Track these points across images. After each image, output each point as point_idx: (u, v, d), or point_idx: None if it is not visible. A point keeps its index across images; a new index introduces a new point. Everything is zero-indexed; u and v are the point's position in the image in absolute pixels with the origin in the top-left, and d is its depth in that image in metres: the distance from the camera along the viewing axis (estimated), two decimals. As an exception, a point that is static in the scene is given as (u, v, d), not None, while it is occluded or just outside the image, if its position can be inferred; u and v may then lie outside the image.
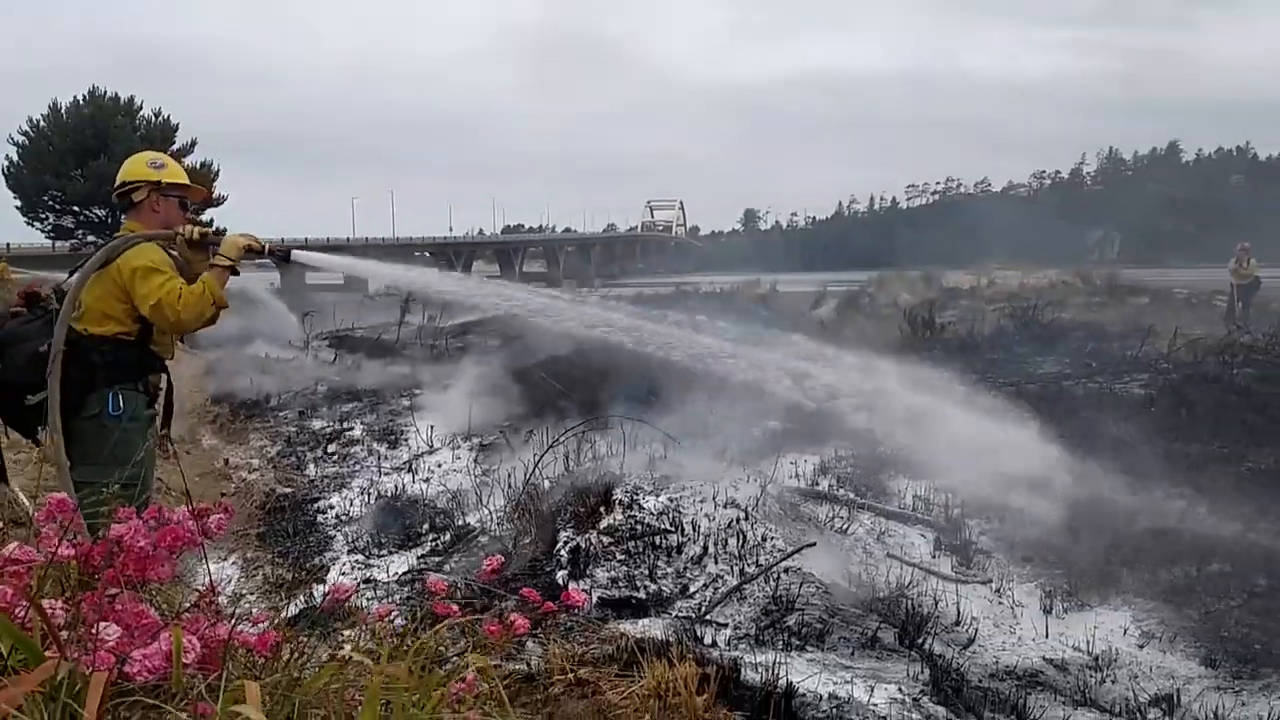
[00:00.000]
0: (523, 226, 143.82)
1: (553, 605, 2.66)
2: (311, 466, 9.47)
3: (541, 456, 7.50)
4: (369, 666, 1.94)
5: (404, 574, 6.14)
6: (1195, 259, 59.18)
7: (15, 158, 48.44)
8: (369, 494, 8.14)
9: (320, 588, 5.73)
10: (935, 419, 7.68)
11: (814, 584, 5.30)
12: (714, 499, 6.23)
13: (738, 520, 5.95)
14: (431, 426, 10.18)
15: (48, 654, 1.51)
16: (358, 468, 9.32)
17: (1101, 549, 6.34)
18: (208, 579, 2.01)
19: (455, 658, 2.57)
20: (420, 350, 16.22)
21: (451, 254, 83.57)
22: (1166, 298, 24.29)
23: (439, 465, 9.09)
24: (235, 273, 4.34)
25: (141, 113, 49.41)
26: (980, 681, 4.67)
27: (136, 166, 4.39)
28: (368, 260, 12.27)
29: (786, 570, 5.31)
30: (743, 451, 8.43)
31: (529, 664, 3.74)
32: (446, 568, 6.21)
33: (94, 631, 1.56)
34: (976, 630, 5.37)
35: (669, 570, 5.45)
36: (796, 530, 6.35)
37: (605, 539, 5.69)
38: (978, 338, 16.88)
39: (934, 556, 6.52)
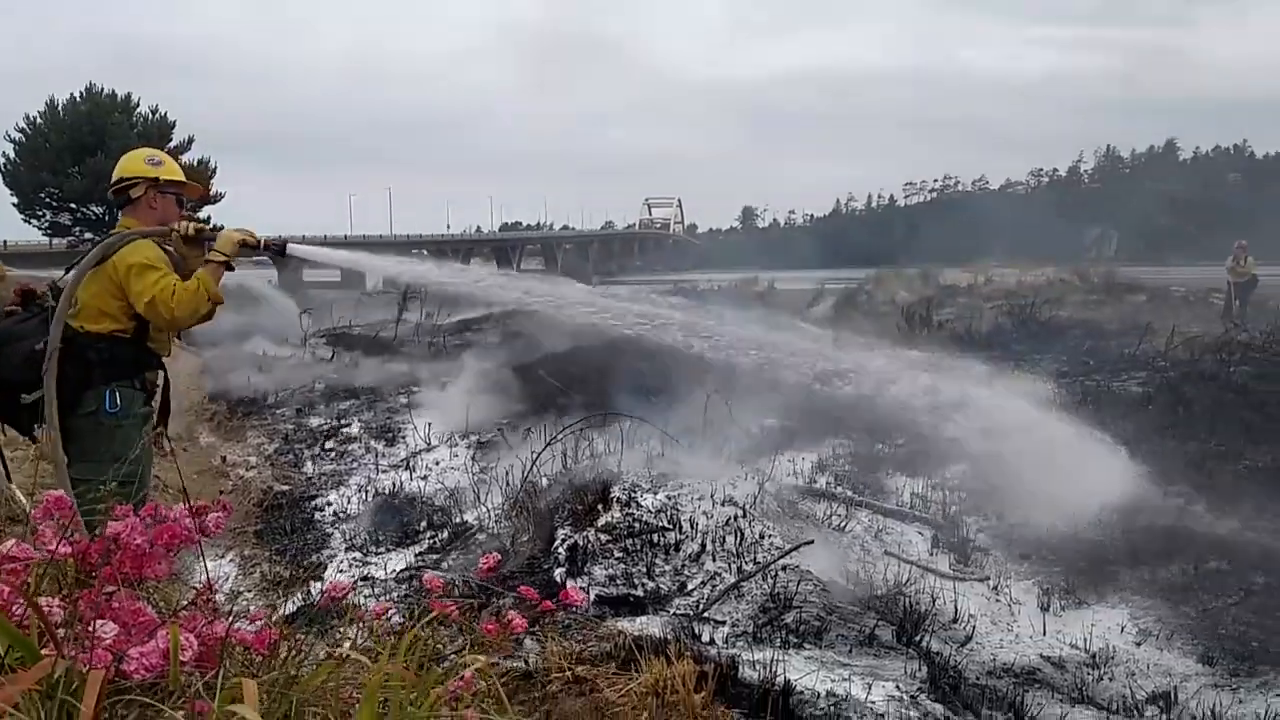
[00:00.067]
0: (520, 224, 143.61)
1: (550, 603, 2.66)
2: (309, 464, 9.47)
3: (539, 454, 7.50)
4: (366, 665, 1.94)
5: (401, 571, 6.14)
6: (1193, 257, 59.21)
7: (12, 155, 48.31)
8: (366, 491, 8.14)
9: (318, 585, 5.73)
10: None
11: (812, 581, 5.30)
12: (712, 496, 6.23)
13: (735, 518, 5.96)
14: (429, 424, 10.18)
15: (45, 652, 1.51)
16: (355, 465, 9.32)
17: (1099, 546, 6.35)
18: (205, 577, 2.01)
19: (453, 656, 2.57)
20: (418, 348, 16.22)
21: (449, 252, 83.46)
22: (1164, 296, 24.28)
23: (437, 463, 9.09)
24: (231, 268, 4.32)
25: (138, 110, 49.25)
26: (978, 679, 4.67)
27: (134, 163, 4.38)
28: (363, 253, 12.24)
29: (784, 568, 5.31)
30: (741, 449, 8.43)
31: (527, 661, 3.74)
32: (444, 565, 6.21)
33: (91, 629, 1.56)
34: (974, 628, 5.38)
35: (667, 568, 5.46)
36: (794, 528, 6.35)
37: (603, 537, 5.69)
38: (975, 335, 16.89)
39: (932, 554, 6.53)
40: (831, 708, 3.63)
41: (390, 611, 3.10)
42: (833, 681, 3.88)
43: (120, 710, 1.55)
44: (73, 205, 47.76)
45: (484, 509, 7.15)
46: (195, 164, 48.23)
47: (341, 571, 6.31)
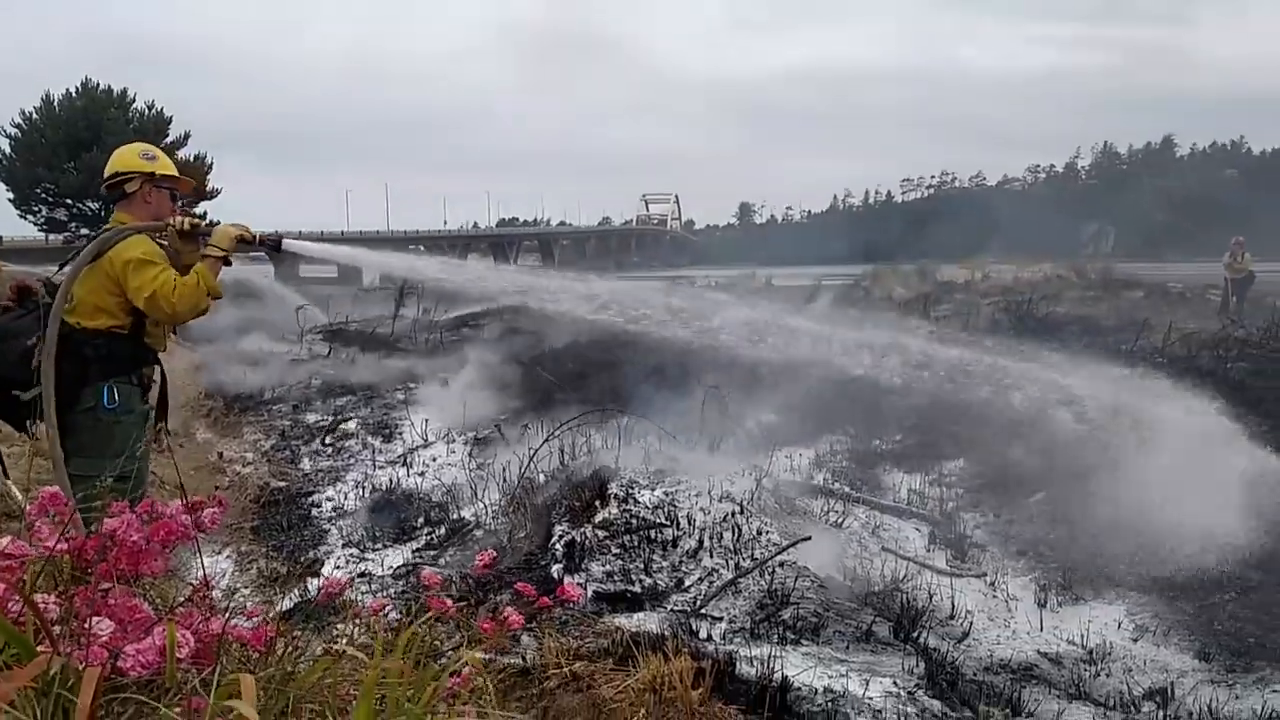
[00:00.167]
0: (517, 220, 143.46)
1: (548, 599, 2.65)
2: (306, 460, 9.46)
3: (537, 450, 7.50)
4: (363, 661, 1.94)
5: (399, 568, 6.14)
6: (1190, 253, 59.27)
7: (8, 150, 48.25)
8: (364, 487, 8.13)
9: (315, 582, 5.73)
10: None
11: (809, 578, 5.30)
12: (709, 493, 6.23)
13: (733, 514, 5.96)
14: (426, 420, 10.17)
15: (41, 649, 1.50)
16: (352, 461, 9.31)
17: (1096, 542, 6.35)
18: (202, 573, 2.00)
19: (450, 652, 2.57)
20: (415, 343, 16.20)
21: (446, 247, 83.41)
22: (1161, 292, 24.31)
23: (434, 459, 9.08)
24: (228, 263, 4.33)
25: (135, 105, 49.21)
26: (975, 675, 4.68)
27: (128, 157, 4.37)
28: (358, 249, 12.23)
29: (782, 564, 5.32)
30: (738, 445, 8.44)
31: (524, 658, 3.74)
32: (441, 561, 6.21)
33: (87, 626, 1.55)
34: (971, 624, 5.38)
35: (664, 564, 5.46)
36: (792, 524, 6.36)
37: (600, 533, 5.68)
38: (973, 331, 16.90)
39: (929, 550, 6.54)
40: (829, 704, 3.64)
41: (387, 608, 3.10)
42: (830, 678, 3.89)
43: (116, 707, 1.55)
44: (68, 201, 47.71)
45: (481, 505, 7.15)
46: (192, 160, 48.20)
47: (338, 568, 6.30)
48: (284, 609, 4.63)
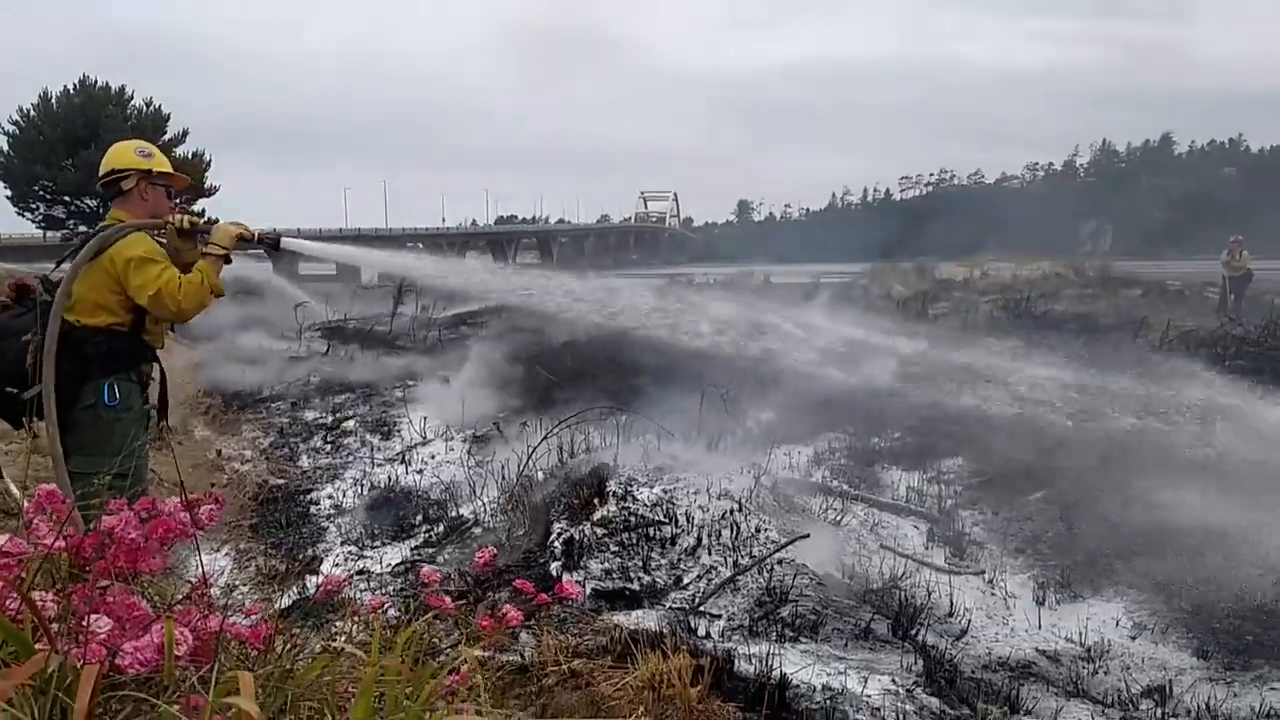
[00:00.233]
0: (516, 217, 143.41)
1: (546, 597, 2.65)
2: (304, 458, 9.45)
3: (535, 448, 7.50)
4: (362, 659, 1.93)
5: (397, 565, 6.14)
6: (1188, 251, 59.30)
7: (5, 147, 48.21)
8: (362, 485, 8.13)
9: (313, 579, 5.72)
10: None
11: (807, 575, 5.30)
12: (708, 490, 6.23)
13: (731, 512, 5.96)
14: (425, 418, 10.17)
15: (38, 647, 1.50)
16: (351, 459, 9.30)
17: (1094, 540, 6.36)
18: (200, 571, 2.00)
19: (449, 649, 2.57)
20: (414, 341, 16.20)
21: (445, 245, 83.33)
22: (1159, 290, 24.32)
23: (432, 457, 9.08)
24: (229, 261, 4.35)
25: (132, 102, 49.18)
26: (973, 672, 4.68)
27: (124, 155, 4.37)
28: (356, 247, 12.25)
29: (780, 562, 5.32)
30: (737, 442, 8.44)
31: (523, 655, 3.74)
32: (440, 559, 6.21)
33: (85, 624, 1.55)
34: (969, 621, 5.38)
35: (663, 562, 5.46)
36: (790, 522, 6.36)
37: (599, 530, 5.68)
38: (971, 329, 16.91)
39: (927, 548, 6.54)
40: (827, 701, 3.64)
41: (386, 605, 3.10)
42: (829, 675, 3.89)
43: (114, 705, 1.55)
44: (66, 198, 47.67)
45: (480, 503, 7.15)
46: (190, 157, 48.15)
47: (337, 565, 6.30)
48: (282, 606, 4.63)
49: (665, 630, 4.21)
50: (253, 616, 2.08)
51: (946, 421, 8.82)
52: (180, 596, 1.95)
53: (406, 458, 9.06)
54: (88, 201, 45.75)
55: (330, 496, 7.96)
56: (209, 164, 50.01)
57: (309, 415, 11.15)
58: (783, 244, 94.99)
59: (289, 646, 2.02)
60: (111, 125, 43.51)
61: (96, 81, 48.63)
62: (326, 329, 17.72)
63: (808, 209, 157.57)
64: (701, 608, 4.89)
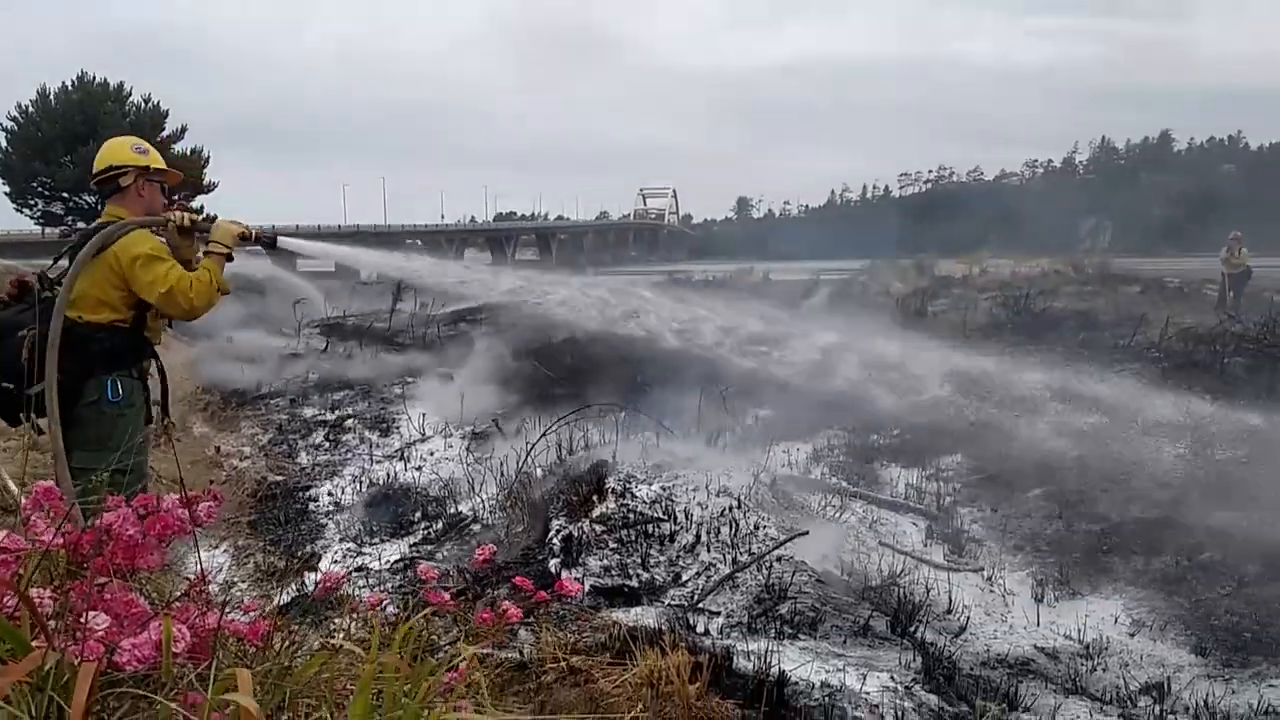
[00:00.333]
0: (515, 214, 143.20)
1: (545, 594, 2.66)
2: (303, 454, 9.44)
3: (534, 445, 7.49)
4: (360, 656, 1.93)
5: (396, 562, 6.13)
6: (1187, 248, 59.31)
7: (4, 144, 48.18)
8: (361, 482, 8.12)
9: (312, 576, 5.72)
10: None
11: (806, 572, 5.30)
12: (707, 487, 6.23)
13: (730, 508, 5.95)
14: (423, 415, 10.16)
15: (36, 644, 1.50)
16: (349, 456, 9.30)
17: (1093, 537, 6.36)
18: (198, 567, 2.00)
19: (448, 646, 2.57)
20: (413, 338, 16.18)
21: (444, 241, 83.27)
22: (1158, 287, 24.25)
23: (431, 453, 9.07)
24: (230, 259, 4.38)
25: (131, 99, 49.14)
26: (972, 669, 4.68)
27: (121, 151, 4.37)
28: (350, 247, 12.27)
29: (779, 559, 5.32)
30: (736, 439, 8.44)
31: (521, 652, 3.73)
32: (439, 556, 6.20)
33: (83, 621, 1.55)
34: (968, 618, 5.39)
35: (662, 559, 5.45)
36: (789, 518, 6.35)
37: (598, 527, 5.68)
38: (970, 326, 16.90)
39: (926, 545, 6.55)
40: (826, 698, 3.64)
41: (384, 602, 3.10)
42: (827, 672, 3.89)
43: (112, 702, 1.55)
44: (65, 195, 47.64)
45: (479, 500, 7.14)
46: (189, 153, 48.13)
47: (336, 562, 6.29)
48: (281, 603, 4.62)
49: (664, 627, 4.21)
50: (251, 613, 2.08)
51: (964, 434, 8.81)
52: (178, 593, 1.95)
53: (405, 454, 9.06)
54: (86, 198, 45.70)
55: (329, 493, 7.96)
56: (207, 161, 50.02)
57: (308, 412, 11.14)
58: (782, 241, 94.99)
59: (287, 643, 2.02)
60: (110, 122, 43.46)
61: (95, 78, 48.59)
62: (325, 325, 17.70)
63: (807, 206, 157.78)
64: (700, 605, 4.89)
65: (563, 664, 3.56)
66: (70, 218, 46.43)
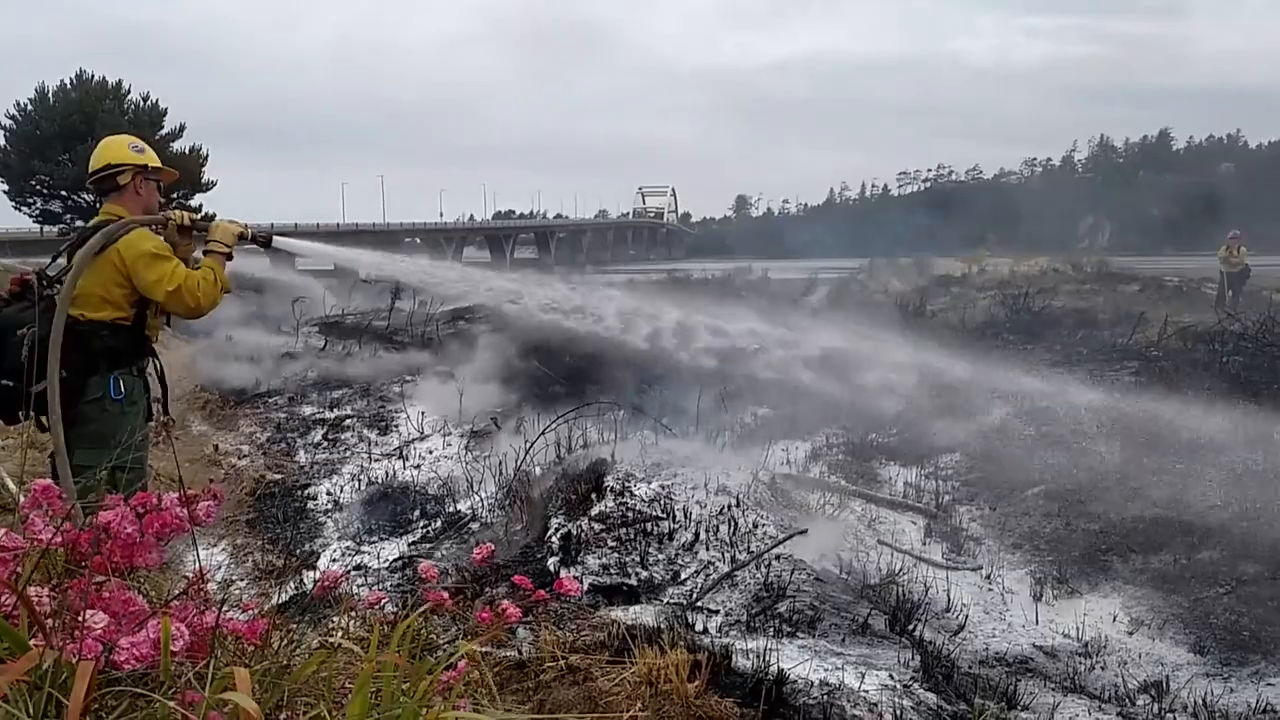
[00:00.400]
0: (513, 213, 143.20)
1: (544, 592, 2.65)
2: (302, 453, 9.43)
3: (533, 443, 7.48)
4: (359, 654, 1.93)
5: (395, 560, 6.13)
6: (1185, 247, 59.35)
7: (2, 142, 48.14)
8: (360, 480, 8.12)
9: (311, 574, 5.72)
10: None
11: (805, 571, 5.30)
12: (705, 486, 6.22)
13: (729, 507, 5.95)
14: (422, 413, 10.16)
15: (33, 643, 1.49)
16: (348, 454, 9.29)
17: (1092, 536, 6.36)
18: (197, 566, 2.00)
19: (446, 645, 2.56)
20: (411, 336, 16.16)
21: (442, 240, 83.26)
22: (1157, 285, 24.27)
23: (430, 452, 9.07)
24: (230, 258, 4.41)
25: (129, 97, 49.10)
26: (970, 668, 4.68)
27: (118, 150, 4.38)
28: (341, 248, 12.30)
29: (778, 557, 5.31)
30: (734, 438, 8.43)
31: (520, 651, 3.73)
32: (438, 554, 6.20)
33: (81, 619, 1.54)
34: (967, 617, 5.39)
35: (660, 557, 5.45)
36: (788, 517, 6.35)
37: (597, 526, 5.67)
38: (969, 325, 16.91)
39: (924, 544, 6.55)
40: (825, 697, 3.63)
41: (383, 601, 3.09)
42: (826, 670, 3.89)
43: (110, 701, 1.54)
44: (63, 193, 47.60)
45: (477, 498, 7.14)
46: (187, 151, 48.11)
47: (334, 560, 6.29)
48: (280, 602, 4.63)
49: (663, 625, 4.21)
50: (249, 612, 2.08)
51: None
52: (177, 592, 1.95)
53: (404, 453, 9.06)
54: (84, 196, 45.60)
55: (328, 492, 7.96)
56: (206, 159, 49.99)
57: (306, 410, 11.13)
58: (780, 239, 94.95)
59: (286, 642, 2.02)
60: (108, 120, 43.43)
61: (93, 76, 48.55)
62: (324, 324, 17.67)
63: (806, 205, 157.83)
64: (699, 603, 4.89)
65: (561, 662, 3.56)
66: (69, 216, 46.40)
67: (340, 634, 2.39)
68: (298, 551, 6.54)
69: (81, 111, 46.07)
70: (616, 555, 5.43)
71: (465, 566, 5.16)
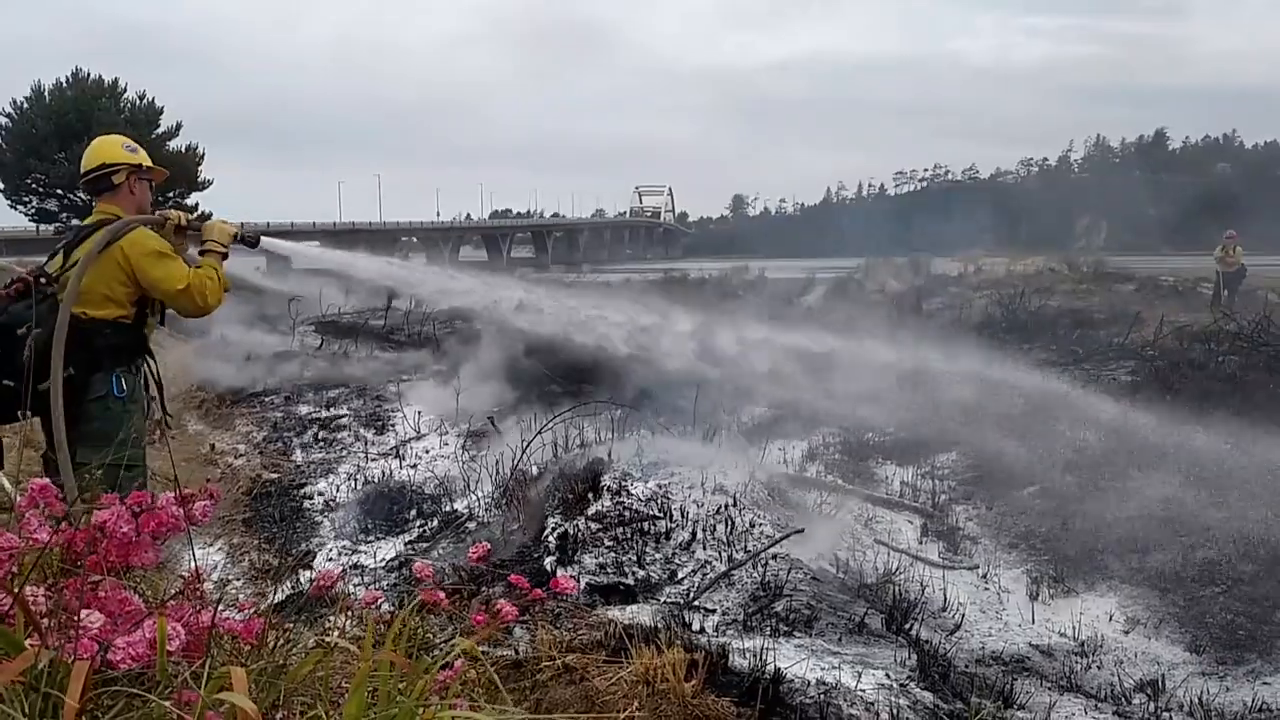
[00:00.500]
0: (510, 212, 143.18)
1: (541, 592, 2.64)
2: (298, 452, 9.42)
3: (529, 443, 7.48)
4: (355, 653, 1.93)
5: (391, 560, 6.13)
6: (1182, 247, 59.41)
7: (-2, 140, 48.09)
8: (356, 480, 8.11)
9: (307, 574, 5.71)
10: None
11: (802, 570, 5.30)
12: (702, 485, 6.22)
13: (726, 506, 5.95)
14: (419, 412, 10.15)
15: (29, 643, 1.49)
16: (344, 453, 9.28)
17: (1088, 535, 6.37)
18: (193, 565, 1.99)
19: (443, 644, 2.56)
20: (408, 336, 16.15)
21: (439, 240, 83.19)
22: (1153, 285, 24.30)
23: (426, 451, 9.06)
24: (225, 257, 4.42)
25: (125, 96, 49.00)
26: (967, 667, 4.69)
27: (113, 150, 4.39)
28: (333, 251, 12.35)
29: (775, 556, 5.31)
30: (731, 437, 8.43)
31: (517, 650, 3.73)
32: (434, 554, 6.20)
33: (76, 619, 1.54)
34: (963, 616, 5.39)
35: (657, 556, 5.45)
36: (785, 516, 6.35)
37: (594, 525, 5.67)
38: (965, 324, 16.92)
39: (921, 543, 6.55)
40: (821, 696, 3.64)
41: (380, 600, 3.09)
42: (823, 669, 3.89)
43: (106, 701, 1.54)
44: (59, 191, 47.50)
45: (474, 497, 7.14)
46: (183, 150, 48.03)
47: (331, 560, 6.29)
48: (276, 601, 4.61)
49: (660, 625, 4.21)
50: (246, 612, 2.07)
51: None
52: (173, 591, 1.95)
53: (400, 452, 9.05)
54: (80, 195, 45.49)
55: (324, 491, 7.94)
56: (202, 158, 49.90)
57: (303, 410, 11.12)
58: (778, 238, 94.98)
59: (282, 642, 2.01)
60: (105, 119, 43.36)
61: (89, 75, 48.45)
62: (320, 323, 17.66)
63: (803, 204, 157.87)
64: (696, 602, 4.89)
65: (558, 662, 3.56)
66: (65, 215, 46.27)
67: (337, 633, 2.39)
68: (294, 551, 6.54)
69: (77, 110, 45.97)
70: (613, 554, 5.43)
71: (462, 566, 5.16)
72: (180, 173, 43.50)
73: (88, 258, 4.01)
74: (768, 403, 9.92)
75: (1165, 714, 4.35)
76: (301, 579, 5.57)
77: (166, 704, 1.50)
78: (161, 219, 4.34)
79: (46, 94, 47.66)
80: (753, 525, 5.81)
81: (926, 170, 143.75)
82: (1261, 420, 8.11)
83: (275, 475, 8.52)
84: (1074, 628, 5.25)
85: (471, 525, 6.65)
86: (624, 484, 6.16)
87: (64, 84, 47.80)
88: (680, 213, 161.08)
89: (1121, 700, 4.51)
